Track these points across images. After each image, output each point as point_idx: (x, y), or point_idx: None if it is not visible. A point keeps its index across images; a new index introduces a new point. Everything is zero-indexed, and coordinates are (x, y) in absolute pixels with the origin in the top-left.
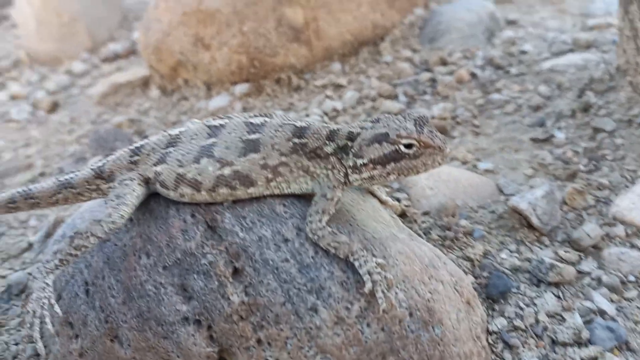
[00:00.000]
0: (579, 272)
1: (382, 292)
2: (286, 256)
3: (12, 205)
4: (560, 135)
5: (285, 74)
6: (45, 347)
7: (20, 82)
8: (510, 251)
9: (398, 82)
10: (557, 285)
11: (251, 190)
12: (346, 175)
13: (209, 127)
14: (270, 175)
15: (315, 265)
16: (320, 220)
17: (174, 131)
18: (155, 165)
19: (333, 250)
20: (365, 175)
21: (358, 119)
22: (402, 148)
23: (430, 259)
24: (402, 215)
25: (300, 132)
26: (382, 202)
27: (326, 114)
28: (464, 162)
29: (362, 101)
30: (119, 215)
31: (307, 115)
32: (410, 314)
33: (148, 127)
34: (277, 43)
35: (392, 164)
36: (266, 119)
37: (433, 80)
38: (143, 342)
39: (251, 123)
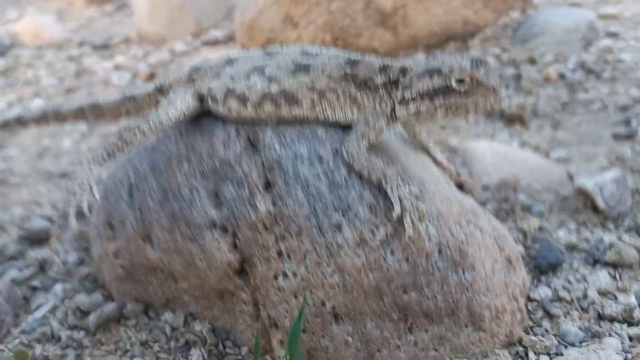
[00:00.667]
0: None
1: (412, 219)
2: (318, 172)
3: (80, 114)
4: None
5: None
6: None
7: (126, 55)
8: (569, 230)
9: None
10: (614, 266)
11: (295, 110)
12: (393, 109)
13: (266, 52)
14: (316, 97)
15: (346, 185)
16: (357, 142)
17: (233, 55)
18: (210, 82)
19: (366, 173)
20: (412, 109)
21: None
22: (453, 83)
23: (473, 207)
24: (459, 187)
25: (353, 63)
26: (436, 162)
27: None
28: (536, 149)
29: None
30: (166, 115)
31: None
32: (440, 251)
33: None
34: (362, 25)
35: (441, 99)
36: (323, 50)
37: (518, 76)
38: (171, 242)
39: (307, 52)
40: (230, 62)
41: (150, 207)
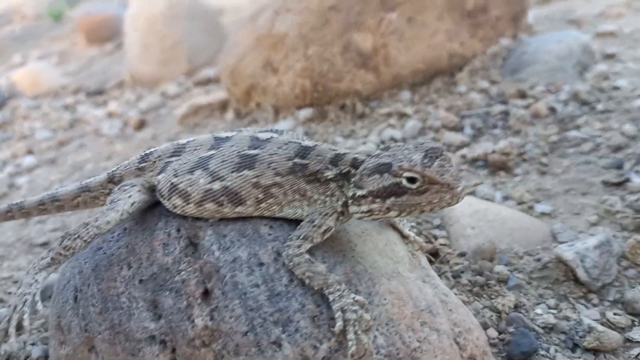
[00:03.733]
0: (628, 340)
1: (355, 333)
2: (257, 281)
3: (42, 207)
4: (637, 180)
5: (350, 100)
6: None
7: (119, 101)
8: (549, 307)
9: (466, 113)
10: (595, 352)
11: (239, 209)
12: (345, 204)
13: (215, 138)
14: (261, 196)
15: (287, 294)
16: (299, 247)
17: (183, 140)
18: (158, 174)
19: (307, 281)
20: (364, 208)
21: None
22: (404, 182)
23: (430, 303)
24: (435, 254)
25: (303, 152)
26: (403, 236)
27: (383, 142)
28: (520, 203)
29: (424, 132)
30: (105, 221)
31: (364, 144)
32: None
33: None
34: (342, 68)
35: (393, 199)
36: (274, 135)
37: (505, 113)
38: (114, 356)
39: (257, 138)
40: (177, 151)
41: (92, 316)
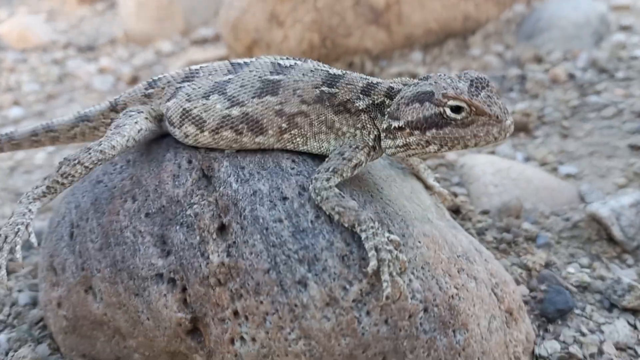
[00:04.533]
0: None
1: (390, 274)
2: (280, 216)
3: (34, 138)
4: None
5: (358, 58)
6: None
7: (112, 57)
8: (581, 266)
9: None
10: (634, 312)
11: (259, 139)
12: (377, 138)
13: (232, 64)
14: (284, 125)
15: (312, 230)
16: (328, 179)
17: (195, 66)
18: (168, 100)
19: (337, 216)
20: (399, 141)
21: None
22: (448, 111)
23: (466, 250)
24: (456, 211)
25: (331, 80)
26: (427, 187)
27: None
28: (543, 164)
29: None
30: (109, 145)
31: None
32: (425, 310)
33: None
34: (352, 23)
35: (434, 131)
36: (298, 61)
37: (522, 78)
38: (114, 296)
39: (279, 64)
40: (190, 76)
41: (90, 252)
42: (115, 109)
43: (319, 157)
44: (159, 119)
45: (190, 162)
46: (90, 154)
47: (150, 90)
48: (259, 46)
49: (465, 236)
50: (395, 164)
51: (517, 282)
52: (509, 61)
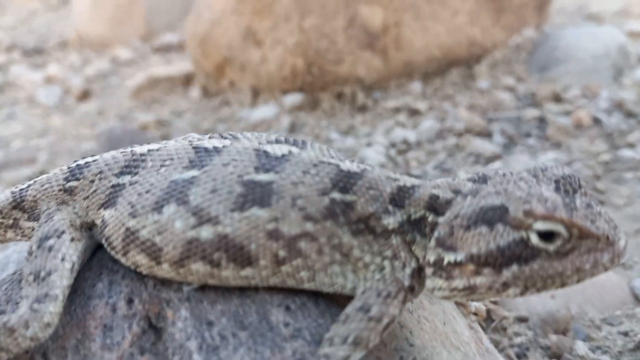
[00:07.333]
0: None
1: None
2: None
3: None
4: None
5: (349, 88)
6: None
7: (61, 64)
8: None
9: (494, 116)
10: None
11: (247, 272)
12: (418, 273)
13: (196, 149)
14: (282, 253)
15: None
16: (345, 356)
17: (141, 147)
18: (102, 206)
19: None
20: (458, 283)
21: (435, 160)
22: (535, 239)
23: None
24: (486, 318)
25: (345, 180)
26: (458, 303)
27: (393, 145)
28: None
29: (443, 135)
30: (39, 325)
31: (369, 145)
32: None
33: (177, 131)
34: (343, 48)
35: (515, 267)
36: (293, 148)
37: (541, 120)
38: None
39: (265, 152)
40: (133, 164)
41: None
42: (20, 205)
43: (331, 298)
44: (89, 226)
45: (130, 302)
46: (16, 338)
47: (73, 183)
48: (232, 66)
49: None
50: None
51: None
52: (522, 97)
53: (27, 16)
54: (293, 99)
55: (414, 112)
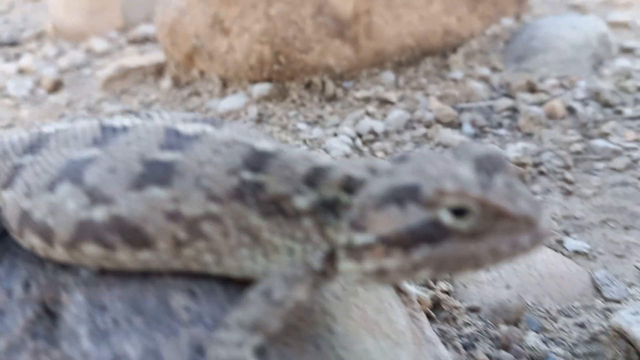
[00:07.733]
0: None
1: None
2: None
3: None
4: None
5: (318, 78)
6: None
7: (35, 55)
8: None
9: (465, 106)
10: None
11: (144, 255)
12: (330, 257)
13: (102, 127)
14: (183, 235)
15: None
16: (240, 344)
17: (48, 127)
18: (3, 186)
19: None
20: (369, 266)
21: (402, 150)
22: (446, 217)
23: None
24: (435, 305)
25: (257, 160)
26: (399, 291)
27: (360, 136)
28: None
29: (413, 125)
30: None
31: (335, 135)
32: None
33: None
34: (312, 36)
35: (426, 249)
36: (208, 127)
37: (513, 110)
38: None
39: (176, 131)
40: (37, 144)
41: None
42: None
43: (236, 283)
44: None
45: (27, 286)
46: None
47: None
48: (200, 55)
49: None
50: None
51: None
52: (496, 87)
53: (6, 7)
54: (261, 88)
55: (384, 102)
